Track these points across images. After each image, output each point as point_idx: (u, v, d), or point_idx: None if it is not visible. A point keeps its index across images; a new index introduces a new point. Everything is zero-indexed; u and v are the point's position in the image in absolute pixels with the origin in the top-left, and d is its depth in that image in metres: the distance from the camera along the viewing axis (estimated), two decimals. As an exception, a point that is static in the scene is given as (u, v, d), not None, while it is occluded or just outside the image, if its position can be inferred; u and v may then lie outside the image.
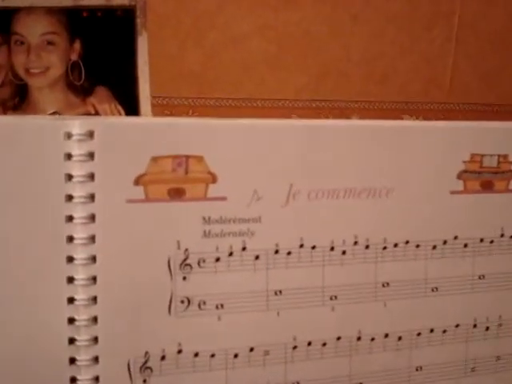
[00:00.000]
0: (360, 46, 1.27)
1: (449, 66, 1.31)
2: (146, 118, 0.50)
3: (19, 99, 0.78)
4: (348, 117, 1.29)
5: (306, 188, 0.48)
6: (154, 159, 0.45)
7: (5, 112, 0.78)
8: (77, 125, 0.44)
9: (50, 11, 0.76)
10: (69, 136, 0.44)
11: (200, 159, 0.46)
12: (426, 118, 1.33)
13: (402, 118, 1.32)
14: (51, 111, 0.79)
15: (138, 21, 0.79)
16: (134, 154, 0.45)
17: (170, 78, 1.15)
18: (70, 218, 0.44)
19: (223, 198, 0.47)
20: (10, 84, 0.77)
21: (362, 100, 1.29)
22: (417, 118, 1.33)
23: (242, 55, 1.22)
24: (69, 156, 0.44)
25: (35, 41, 0.76)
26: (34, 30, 0.76)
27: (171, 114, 1.19)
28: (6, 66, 0.77)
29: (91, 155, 0.44)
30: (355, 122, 0.53)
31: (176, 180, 0.46)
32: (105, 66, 0.79)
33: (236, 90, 1.24)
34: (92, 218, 0.45)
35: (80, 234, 0.44)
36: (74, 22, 0.77)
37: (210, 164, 0.46)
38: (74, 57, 0.78)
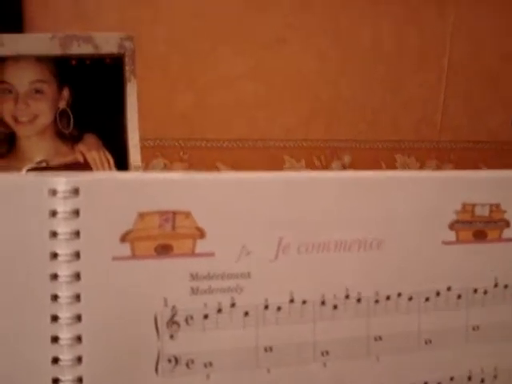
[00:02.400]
0: (350, 85, 1.28)
1: (440, 105, 1.32)
2: (132, 174, 0.49)
3: (7, 148, 0.77)
4: (339, 157, 1.29)
5: (295, 241, 0.47)
6: (141, 215, 0.44)
7: (-8, 160, 0.77)
8: (61, 182, 0.43)
9: (39, 59, 0.75)
10: (53, 193, 0.43)
11: (187, 214, 0.45)
12: (418, 157, 1.33)
13: (394, 158, 1.32)
14: (39, 160, 0.78)
15: (127, 68, 0.78)
16: (120, 210, 0.44)
17: (161, 120, 1.15)
18: (54, 276, 0.43)
19: (211, 254, 0.46)
20: (-2, 133, 0.77)
21: (354, 139, 1.29)
22: (409, 157, 1.33)
23: (232, 96, 1.22)
24: (53, 213, 0.43)
25: (23, 89, 0.76)
26: (22, 78, 0.76)
27: (162, 156, 1.19)
28: (-7, 114, 0.76)
29: (76, 212, 0.43)
30: (344, 174, 0.53)
31: (163, 236, 0.45)
32: (93, 114, 0.78)
33: (227, 131, 1.24)
34: (77, 276, 0.44)
35: (65, 292, 0.43)
36: (62, 70, 0.76)
37: (198, 219, 0.45)
38: (63, 105, 0.77)
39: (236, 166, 1.25)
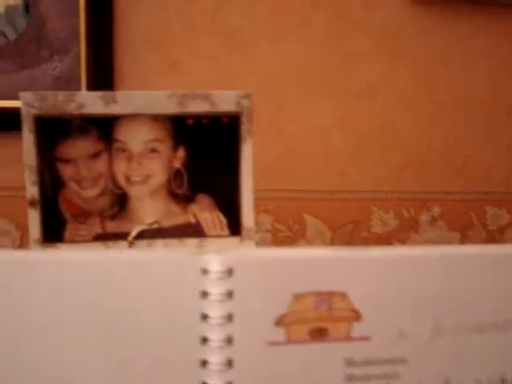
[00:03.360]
0: (442, 136, 1.24)
1: (533, 155, 1.27)
2: (285, 251, 0.46)
3: (118, 208, 0.75)
4: (429, 209, 1.24)
5: (451, 322, 0.44)
6: (296, 297, 0.42)
7: (103, 222, 0.74)
8: (215, 261, 0.41)
9: (155, 118, 0.73)
10: (206, 272, 0.41)
11: (344, 296, 0.43)
12: (509, 209, 1.28)
13: (484, 209, 1.27)
14: (151, 221, 0.75)
15: (243, 127, 0.76)
16: (275, 291, 0.42)
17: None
18: (204, 363, 0.41)
19: (367, 338, 0.44)
20: (110, 193, 0.74)
21: (443, 191, 1.25)
22: (500, 209, 1.28)
23: (321, 147, 1.19)
24: (205, 294, 0.41)
25: (138, 148, 0.73)
26: (137, 137, 0.73)
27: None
28: (106, 174, 0.74)
29: (230, 294, 0.41)
30: (502, 249, 0.49)
31: (318, 319, 0.43)
32: (207, 174, 0.75)
33: (315, 182, 1.21)
34: (229, 363, 0.42)
35: (216, 381, 0.41)
36: (178, 129, 0.74)
37: (354, 300, 0.43)
38: (177, 164, 0.75)
39: (322, 218, 1.22)
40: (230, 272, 0.41)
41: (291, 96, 1.17)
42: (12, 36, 1.07)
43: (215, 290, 0.41)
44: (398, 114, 1.21)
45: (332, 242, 1.22)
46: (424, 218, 1.24)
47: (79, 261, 0.43)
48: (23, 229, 1.15)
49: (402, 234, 1.24)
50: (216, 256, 0.42)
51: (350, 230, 1.22)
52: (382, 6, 1.17)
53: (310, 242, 1.22)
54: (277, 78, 1.16)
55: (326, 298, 0.43)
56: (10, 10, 1.06)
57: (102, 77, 1.07)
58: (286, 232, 1.18)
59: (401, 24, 1.19)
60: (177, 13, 1.12)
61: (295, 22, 1.15)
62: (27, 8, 1.06)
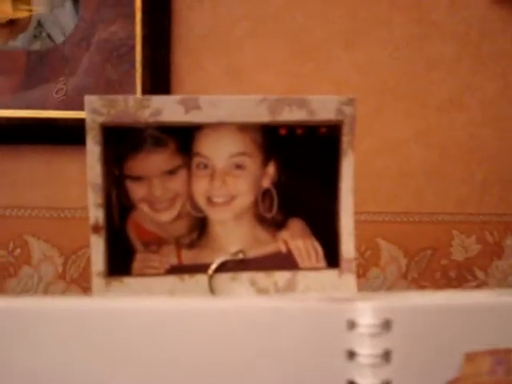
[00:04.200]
0: (530, 151, 1.11)
1: None
2: (453, 297, 0.34)
3: (197, 234, 0.63)
4: (515, 232, 1.12)
5: None
6: (469, 357, 0.33)
7: (178, 251, 0.63)
8: (366, 311, 0.32)
9: (242, 128, 0.61)
10: (353, 326, 0.32)
11: None
12: None
13: None
14: (235, 250, 0.63)
15: (344, 139, 0.64)
16: (443, 350, 0.32)
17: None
18: None
19: None
20: (187, 216, 0.62)
21: (530, 213, 1.12)
22: None
23: (398, 163, 1.08)
24: (353, 355, 0.32)
25: (221, 164, 0.61)
26: (221, 150, 0.61)
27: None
28: (184, 194, 0.62)
29: (386, 355, 0.32)
30: None
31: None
32: (301, 194, 0.64)
33: (390, 203, 1.09)
34: None
35: None
36: (269, 140, 0.62)
37: None
38: (266, 183, 0.63)
39: (397, 243, 1.09)
40: (386, 326, 0.32)
41: (366, 106, 1.05)
42: (59, 39, 0.96)
43: (366, 349, 0.32)
44: (483, 128, 1.09)
45: (407, 270, 1.10)
46: (509, 242, 1.12)
47: (178, 311, 0.34)
48: (67, 254, 1.04)
49: (484, 260, 1.11)
50: (366, 304, 0.32)
51: (428, 257, 1.10)
52: (465, 7, 1.06)
53: (383, 270, 1.09)
54: (351, 87, 1.04)
55: (503, 357, 0.33)
56: (56, 10, 0.96)
57: (159, 84, 0.96)
58: (357, 259, 1.05)
59: (485, 26, 1.07)
60: (241, 15, 1.01)
61: (372, 24, 1.04)
62: (76, 9, 0.96)
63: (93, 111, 0.59)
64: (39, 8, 0.96)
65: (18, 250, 1.03)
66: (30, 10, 0.96)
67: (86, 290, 1.04)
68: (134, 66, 0.95)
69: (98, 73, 0.96)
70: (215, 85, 1.01)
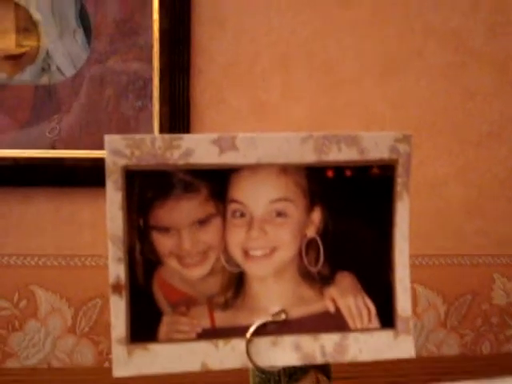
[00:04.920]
0: None
1: None
2: None
3: (233, 292, 0.55)
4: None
5: None
6: None
7: (211, 313, 0.54)
8: None
9: (284, 170, 0.54)
10: None
11: None
12: None
13: None
14: (276, 310, 0.55)
15: (399, 180, 0.56)
16: None
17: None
18: None
19: None
20: (222, 272, 0.54)
21: None
22: None
23: (436, 201, 1.00)
24: None
25: (260, 211, 0.53)
26: (260, 196, 0.54)
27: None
28: (217, 246, 0.54)
29: None
30: None
31: None
32: (351, 244, 0.56)
33: (427, 244, 1.01)
34: None
35: None
36: (314, 184, 0.54)
37: None
38: (311, 232, 0.55)
39: (435, 288, 1.01)
40: None
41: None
42: (70, 72, 0.89)
43: None
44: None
45: (446, 317, 1.01)
46: (555, 287, 1.04)
47: None
48: (76, 305, 0.96)
49: (527, 305, 1.03)
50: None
51: (469, 302, 1.01)
52: (504, 33, 0.99)
53: (420, 318, 1.01)
54: (385, 121, 0.97)
55: None
56: (66, 40, 0.89)
57: (177, 120, 0.88)
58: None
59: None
60: (266, 45, 0.94)
61: (405, 54, 0.97)
62: (88, 39, 0.88)
63: (114, 153, 0.51)
64: (47, 40, 0.89)
65: (24, 302, 0.95)
66: (36, 46, 0.89)
67: (97, 344, 0.96)
68: (150, 101, 0.88)
69: (111, 108, 0.89)
70: (238, 121, 0.94)
